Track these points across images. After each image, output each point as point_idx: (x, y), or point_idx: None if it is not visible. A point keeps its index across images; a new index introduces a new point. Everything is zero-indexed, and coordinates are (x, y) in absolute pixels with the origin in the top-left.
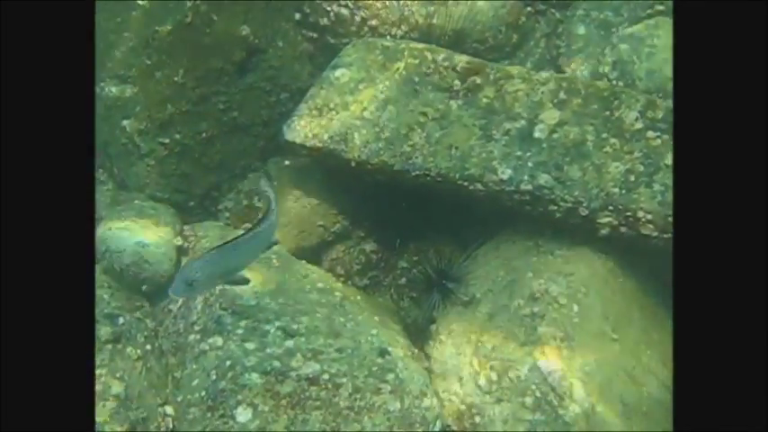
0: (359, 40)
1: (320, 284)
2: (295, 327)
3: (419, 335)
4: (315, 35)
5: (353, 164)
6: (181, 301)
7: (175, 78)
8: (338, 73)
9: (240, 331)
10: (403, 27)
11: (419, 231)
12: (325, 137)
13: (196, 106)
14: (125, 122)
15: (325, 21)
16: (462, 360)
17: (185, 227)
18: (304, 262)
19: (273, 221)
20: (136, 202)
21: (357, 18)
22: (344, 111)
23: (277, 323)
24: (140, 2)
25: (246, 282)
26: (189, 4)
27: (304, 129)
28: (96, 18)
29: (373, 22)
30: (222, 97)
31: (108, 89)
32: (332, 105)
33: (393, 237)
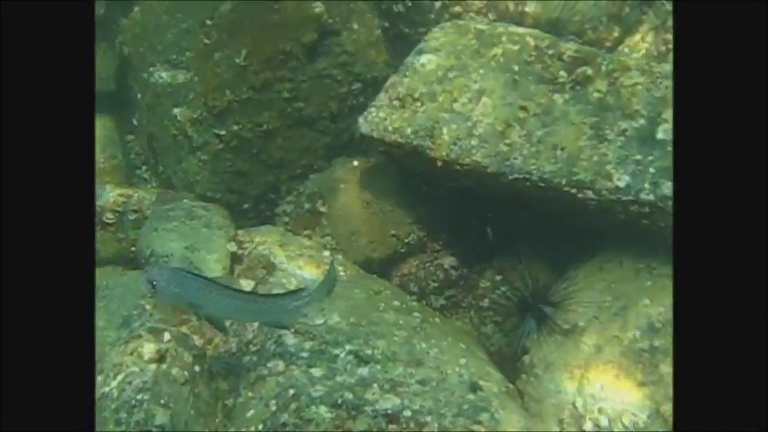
0: (448, 22)
1: (396, 303)
2: (369, 352)
3: (506, 366)
4: (386, 23)
5: (439, 163)
6: None
7: (236, 60)
8: (424, 59)
9: (305, 355)
10: (490, 15)
11: (506, 245)
12: (408, 131)
13: (258, 94)
14: (176, 111)
15: (399, 7)
16: (563, 399)
17: (239, 231)
18: (375, 276)
19: (296, 307)
20: (185, 201)
21: (437, 4)
22: (431, 102)
23: (348, 347)
24: None
25: (224, 332)
26: None
27: (383, 121)
28: None
29: (456, 9)
30: (288, 84)
31: (158, 75)
32: (416, 96)
33: (474, 252)
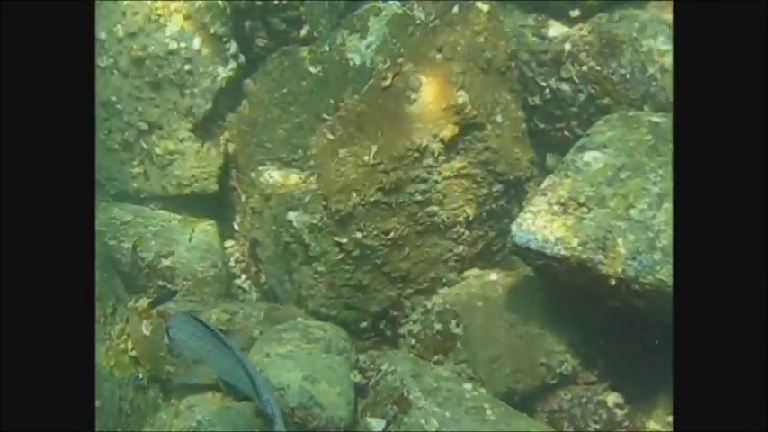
0: (614, 114)
1: None
2: None
3: None
4: None
5: (613, 282)
6: None
7: (365, 158)
8: (588, 157)
9: None
10: (646, 107)
11: None
12: (575, 242)
13: (387, 196)
14: (291, 215)
15: (536, 100)
16: None
17: (360, 356)
18: (526, 416)
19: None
20: (299, 319)
21: (582, 96)
22: (601, 208)
23: None
24: (312, 69)
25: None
26: (386, 64)
27: (542, 230)
28: (256, 89)
29: (605, 101)
30: (421, 186)
31: (267, 174)
32: (582, 200)
33: (638, 386)
